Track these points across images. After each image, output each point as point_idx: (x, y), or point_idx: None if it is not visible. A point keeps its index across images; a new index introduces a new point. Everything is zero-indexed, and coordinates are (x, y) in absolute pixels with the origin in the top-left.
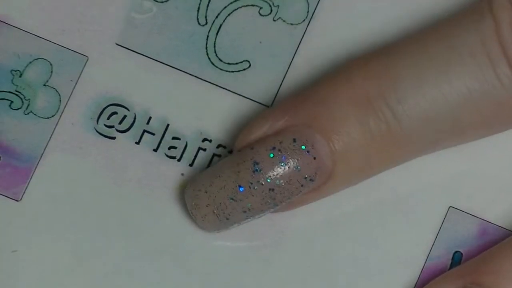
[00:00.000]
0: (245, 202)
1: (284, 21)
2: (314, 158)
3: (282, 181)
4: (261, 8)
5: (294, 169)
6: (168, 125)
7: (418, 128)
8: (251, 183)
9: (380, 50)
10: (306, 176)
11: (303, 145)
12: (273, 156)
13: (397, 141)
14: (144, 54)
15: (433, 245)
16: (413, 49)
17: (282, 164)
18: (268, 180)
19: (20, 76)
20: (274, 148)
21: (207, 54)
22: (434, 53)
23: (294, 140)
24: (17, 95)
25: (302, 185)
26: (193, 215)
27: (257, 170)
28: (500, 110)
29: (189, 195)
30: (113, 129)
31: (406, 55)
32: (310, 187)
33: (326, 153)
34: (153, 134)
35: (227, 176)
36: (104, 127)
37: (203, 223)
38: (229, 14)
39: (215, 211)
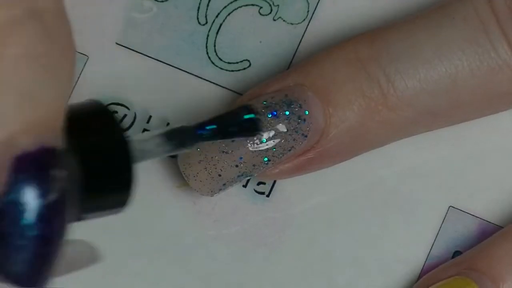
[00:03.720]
0: (236, 154)
1: (284, 20)
2: (305, 113)
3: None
4: (261, 7)
5: (286, 121)
6: (168, 124)
7: (412, 90)
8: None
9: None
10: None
11: (295, 100)
12: (266, 108)
13: (391, 103)
14: (144, 54)
15: (433, 245)
16: (406, 19)
17: (273, 116)
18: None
19: None
20: (266, 101)
21: (207, 53)
22: (427, 20)
23: (286, 96)
24: None
25: (294, 139)
26: (186, 175)
27: None
28: (494, 78)
29: (182, 157)
30: None
31: (399, 24)
32: (303, 144)
33: (318, 109)
34: None
35: None
36: None
37: (195, 183)
38: (229, 14)
39: (207, 167)
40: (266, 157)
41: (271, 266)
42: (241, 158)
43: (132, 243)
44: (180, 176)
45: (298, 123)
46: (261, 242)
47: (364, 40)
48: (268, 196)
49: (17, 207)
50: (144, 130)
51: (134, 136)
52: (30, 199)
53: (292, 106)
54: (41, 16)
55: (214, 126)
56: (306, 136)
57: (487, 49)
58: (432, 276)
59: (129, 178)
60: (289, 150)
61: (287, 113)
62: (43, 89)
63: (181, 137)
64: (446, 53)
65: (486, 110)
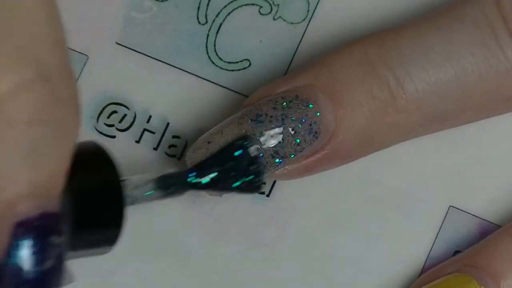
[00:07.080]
0: None
1: (284, 20)
2: (317, 114)
3: (285, 134)
4: (261, 7)
5: (298, 122)
6: (168, 123)
7: (422, 93)
8: (254, 134)
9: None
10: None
11: (305, 101)
12: (276, 109)
13: (400, 106)
14: (144, 53)
15: (433, 244)
16: (415, 21)
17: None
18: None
19: None
20: (277, 102)
21: (207, 52)
22: (437, 22)
23: (297, 97)
24: None
25: (305, 140)
26: None
27: (260, 122)
28: (503, 82)
29: (189, 156)
30: (113, 128)
31: (408, 26)
32: (314, 145)
33: (328, 110)
34: (153, 132)
35: (229, 130)
36: (104, 126)
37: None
38: (229, 13)
39: None
40: (277, 158)
41: (271, 266)
42: None
43: (132, 243)
44: None
45: (310, 124)
46: (261, 242)
47: (374, 42)
48: (268, 196)
49: (16, 271)
50: (144, 130)
51: (128, 181)
52: (29, 264)
53: (303, 107)
54: (49, 78)
55: (215, 174)
56: (317, 137)
57: (496, 53)
58: (432, 273)
59: (119, 220)
60: (300, 151)
61: (303, 119)
62: (49, 149)
63: (172, 184)
64: (456, 57)
65: (492, 113)
